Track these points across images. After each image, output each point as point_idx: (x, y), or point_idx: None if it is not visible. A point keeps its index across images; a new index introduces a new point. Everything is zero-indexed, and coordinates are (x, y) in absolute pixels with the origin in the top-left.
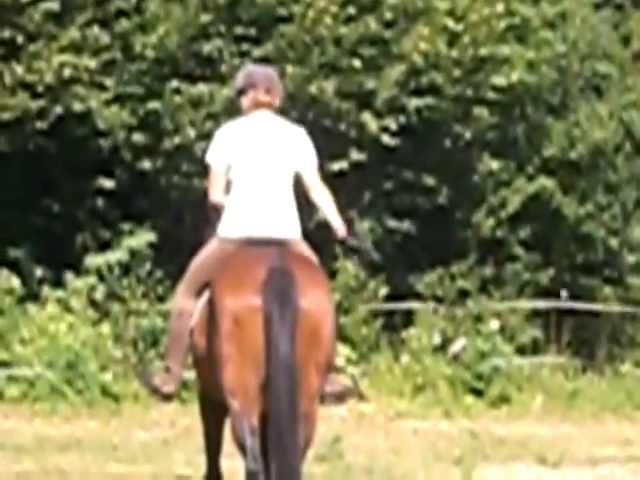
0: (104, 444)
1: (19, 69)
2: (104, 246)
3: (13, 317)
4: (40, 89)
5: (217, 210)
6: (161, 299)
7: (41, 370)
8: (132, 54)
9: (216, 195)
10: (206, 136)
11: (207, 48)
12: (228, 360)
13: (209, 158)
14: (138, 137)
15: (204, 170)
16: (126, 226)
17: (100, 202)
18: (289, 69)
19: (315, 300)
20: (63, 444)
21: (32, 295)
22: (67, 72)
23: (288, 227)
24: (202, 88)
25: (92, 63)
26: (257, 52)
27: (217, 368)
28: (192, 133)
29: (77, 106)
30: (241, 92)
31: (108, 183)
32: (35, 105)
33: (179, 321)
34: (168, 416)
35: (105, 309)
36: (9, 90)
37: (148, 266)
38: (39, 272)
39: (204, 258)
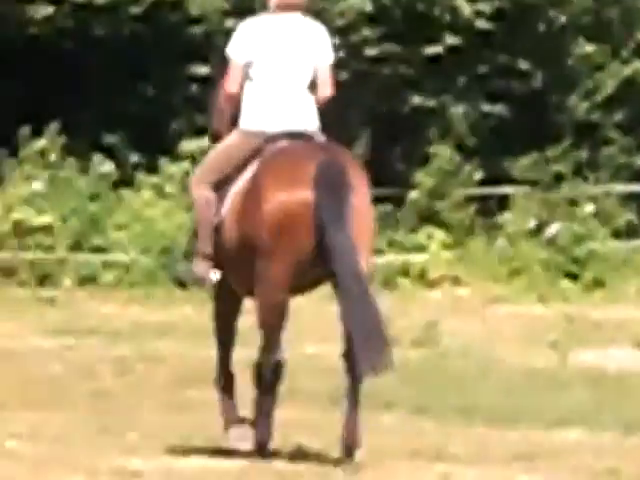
0: (199, 329)
1: None
2: (198, 132)
3: (108, 202)
4: None
5: (232, 102)
6: None
7: (136, 255)
8: None
9: (233, 87)
10: None
11: None
12: (276, 253)
13: (229, 51)
14: (231, 23)
15: None
16: None
17: (194, 88)
18: None
19: (363, 197)
20: (159, 329)
21: (127, 181)
22: None
23: (308, 120)
24: None
25: None
26: None
27: (261, 260)
28: None
29: None
30: None
31: (202, 69)
32: None
33: (208, 209)
34: None
35: None
36: None
37: None
38: (134, 158)
39: (224, 151)
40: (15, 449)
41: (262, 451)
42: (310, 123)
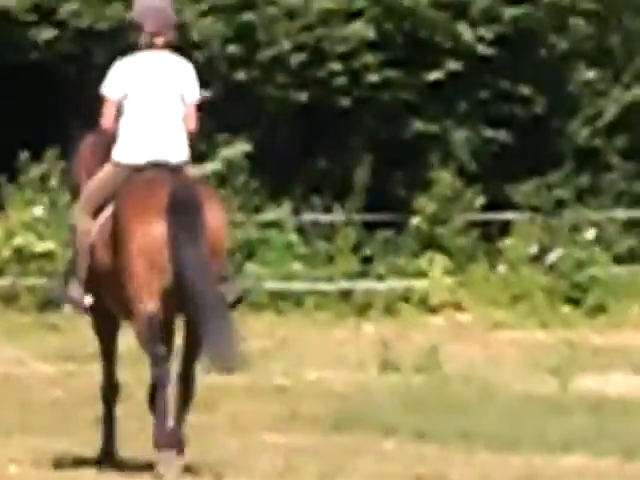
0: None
1: None
2: (200, 157)
3: None
4: None
5: (106, 137)
6: (257, 210)
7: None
8: None
9: (107, 122)
10: (301, 47)
11: None
12: (138, 270)
13: (104, 89)
14: (233, 48)
15: (299, 82)
16: (221, 137)
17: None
18: None
19: (214, 217)
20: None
21: None
22: None
23: (177, 151)
24: None
25: None
26: None
27: (127, 278)
28: (287, 44)
29: None
30: (135, 27)
31: (203, 94)
32: (130, 16)
33: (85, 238)
34: (265, 327)
35: None
36: (104, 0)
37: (244, 177)
38: None
39: (99, 181)
40: (17, 474)
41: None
42: (177, 154)
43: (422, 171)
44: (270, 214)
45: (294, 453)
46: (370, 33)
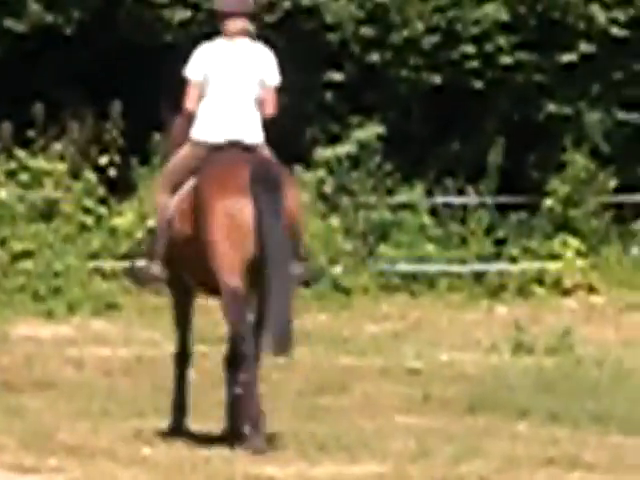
0: (334, 337)
1: None
2: (333, 139)
3: None
4: None
5: (190, 118)
6: (390, 192)
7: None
8: None
9: (190, 104)
10: (434, 30)
11: None
12: (221, 245)
13: (187, 72)
14: (366, 30)
15: (432, 64)
16: (355, 119)
17: (329, 95)
18: None
19: (292, 198)
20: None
21: None
22: None
23: (253, 133)
24: None
25: None
26: None
27: (209, 252)
28: (420, 26)
29: (305, 0)
30: (217, 16)
31: (336, 76)
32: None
33: (162, 214)
34: (398, 309)
35: (334, 202)
36: None
37: (377, 159)
38: None
39: (178, 160)
40: (150, 456)
41: None
42: (252, 135)
43: (555, 153)
44: (403, 196)
45: (427, 435)
46: (503, 15)
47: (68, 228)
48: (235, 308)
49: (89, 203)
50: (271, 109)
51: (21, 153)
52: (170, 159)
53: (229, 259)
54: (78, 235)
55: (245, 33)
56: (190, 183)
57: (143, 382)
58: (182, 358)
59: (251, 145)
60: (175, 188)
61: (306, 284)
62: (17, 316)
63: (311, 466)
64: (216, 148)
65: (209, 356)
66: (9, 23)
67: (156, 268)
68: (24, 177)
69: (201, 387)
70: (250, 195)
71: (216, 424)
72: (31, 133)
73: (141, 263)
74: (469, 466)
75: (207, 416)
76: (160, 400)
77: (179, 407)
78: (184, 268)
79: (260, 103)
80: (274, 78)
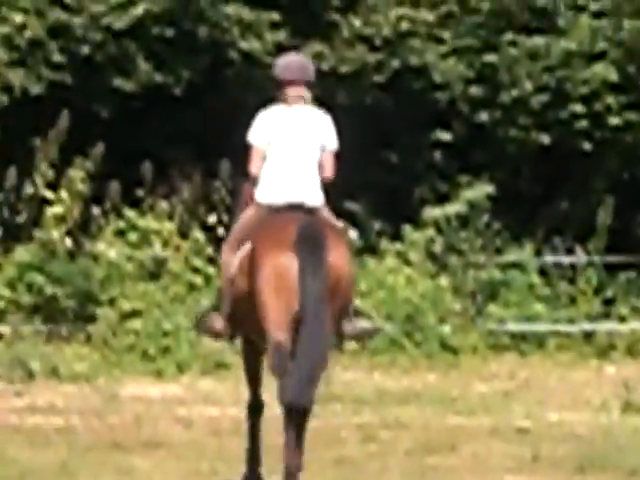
0: (443, 397)
1: (357, 22)
2: (442, 198)
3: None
4: (378, 42)
5: (255, 182)
6: (499, 251)
7: (380, 323)
8: (468, 7)
9: (255, 169)
10: (543, 89)
11: (542, 0)
12: (268, 300)
13: (251, 137)
14: (475, 90)
15: (541, 123)
16: (464, 178)
17: (438, 155)
18: (625, 22)
19: (338, 255)
20: (402, 396)
21: (370, 248)
22: (404, 25)
23: (313, 196)
24: (538, 40)
25: (430, 16)
26: (594, 6)
27: (259, 308)
28: (529, 86)
29: (414, 59)
30: (277, 83)
31: (445, 136)
32: (373, 58)
33: (226, 273)
34: (507, 368)
35: (443, 261)
36: (347, 43)
37: (486, 218)
38: (377, 225)
39: (244, 221)
40: None
41: None
42: (313, 198)
43: None
44: (512, 255)
45: None
46: (612, 75)
47: (177, 287)
48: (278, 362)
49: (198, 262)
50: (330, 172)
51: (130, 212)
52: (237, 220)
53: (275, 314)
54: (187, 294)
55: (302, 100)
56: (247, 245)
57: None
58: (254, 410)
59: (310, 207)
60: (238, 248)
61: (360, 341)
62: (126, 376)
63: None
64: (276, 210)
65: (318, 415)
66: (118, 82)
67: (219, 323)
68: (133, 236)
69: (310, 446)
70: (295, 253)
71: None
72: (140, 192)
73: (208, 315)
74: None
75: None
76: (269, 460)
77: (252, 457)
78: (247, 324)
79: (320, 167)
80: (332, 142)
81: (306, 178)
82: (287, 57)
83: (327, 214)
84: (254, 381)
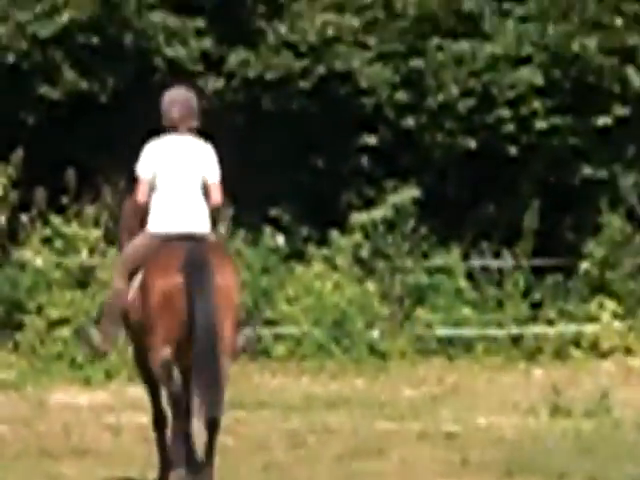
0: (371, 401)
1: (282, 28)
2: (368, 203)
3: (279, 276)
4: (303, 49)
5: (141, 210)
6: (426, 255)
7: (308, 328)
8: (394, 12)
9: (141, 198)
10: (469, 94)
11: (468, 5)
12: (158, 324)
13: (138, 169)
14: (401, 95)
15: (468, 128)
16: (390, 183)
17: (364, 160)
18: (550, 27)
19: (225, 277)
20: (330, 402)
21: (298, 254)
22: (330, 31)
23: (200, 224)
24: (464, 45)
25: (355, 22)
26: (519, 10)
27: (149, 331)
28: (455, 90)
29: (340, 65)
30: (164, 117)
31: (372, 140)
32: (298, 64)
33: (117, 299)
34: (435, 373)
35: (371, 266)
36: (273, 49)
37: (413, 222)
38: (304, 231)
39: (134, 248)
40: None
41: None
42: (201, 226)
43: (591, 216)
44: (439, 259)
45: None
46: (538, 79)
47: (104, 295)
48: (164, 376)
49: None
50: (217, 199)
51: (56, 219)
52: (125, 246)
53: (162, 331)
54: None
55: (187, 132)
56: (140, 275)
57: None
58: (159, 423)
59: (199, 235)
60: (131, 274)
61: (244, 350)
62: (54, 384)
63: None
64: (166, 239)
65: (247, 421)
66: (44, 90)
67: (97, 339)
68: (59, 244)
69: (239, 452)
70: (182, 275)
71: None
72: (65, 199)
73: (89, 330)
74: None
75: None
76: None
77: (167, 467)
78: (141, 348)
79: (207, 195)
80: (214, 175)
81: (193, 207)
82: (172, 92)
83: (214, 240)
84: (157, 398)
